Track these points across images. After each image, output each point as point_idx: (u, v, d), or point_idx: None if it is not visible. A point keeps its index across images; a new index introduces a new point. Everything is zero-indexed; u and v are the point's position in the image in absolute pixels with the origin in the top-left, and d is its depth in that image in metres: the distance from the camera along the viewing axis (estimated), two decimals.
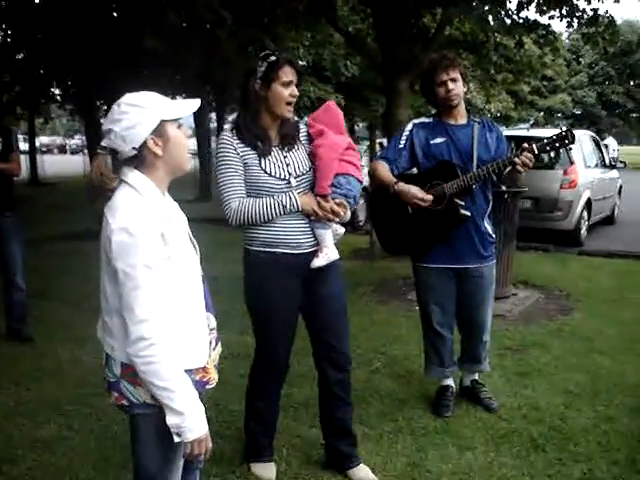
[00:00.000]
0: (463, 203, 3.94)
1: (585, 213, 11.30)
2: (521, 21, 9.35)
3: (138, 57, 8.90)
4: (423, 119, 4.25)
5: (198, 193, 18.61)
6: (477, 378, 4.55)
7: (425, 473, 3.59)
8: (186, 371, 2.18)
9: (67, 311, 6.49)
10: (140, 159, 2.16)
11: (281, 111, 3.15)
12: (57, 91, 15.93)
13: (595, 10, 9.47)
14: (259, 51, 11.22)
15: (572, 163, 10.63)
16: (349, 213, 3.27)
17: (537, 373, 4.99)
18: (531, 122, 39.72)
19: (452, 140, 4.05)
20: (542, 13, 9.63)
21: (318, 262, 3.24)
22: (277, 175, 3.15)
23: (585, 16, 9.52)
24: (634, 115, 50.95)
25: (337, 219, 3.21)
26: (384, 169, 4.11)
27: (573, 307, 7.02)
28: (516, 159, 3.77)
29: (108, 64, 9.74)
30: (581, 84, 48.97)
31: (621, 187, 14.69)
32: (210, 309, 2.42)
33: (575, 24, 9.84)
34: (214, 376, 2.38)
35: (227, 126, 3.38)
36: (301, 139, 3.31)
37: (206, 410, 2.22)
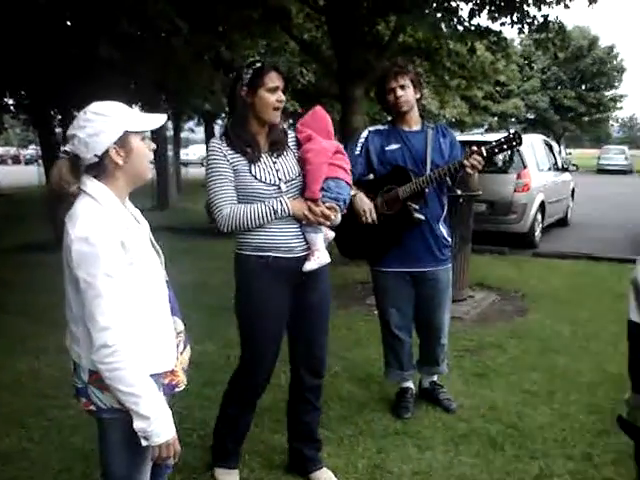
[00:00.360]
0: (417, 207, 4.00)
1: (539, 215, 11.51)
2: (473, 28, 9.48)
3: (93, 66, 8.83)
4: (378, 126, 4.32)
5: (155, 202, 18.48)
6: (436, 379, 4.61)
7: (386, 474, 3.64)
8: (154, 375, 2.20)
9: (26, 324, 6.40)
10: (101, 167, 2.18)
11: (268, 116, 3.16)
12: (10, 101, 15.68)
13: (545, 16, 9.66)
14: (214, 59, 11.19)
15: (525, 167, 10.82)
16: (339, 217, 3.29)
17: (494, 373, 5.08)
18: (485, 127, 40.11)
19: (406, 146, 4.11)
20: (494, 20, 9.80)
21: (310, 265, 3.25)
22: (267, 181, 3.15)
23: (536, 22, 9.70)
24: (586, 119, 51.79)
25: (328, 223, 3.23)
26: None
27: (528, 308, 7.15)
28: (465, 162, 3.84)
29: (62, 73, 9.66)
30: (534, 89, 49.58)
31: (574, 189, 14.98)
32: (177, 313, 2.44)
33: (526, 30, 10.01)
34: (182, 379, 2.41)
35: (217, 132, 3.38)
36: (290, 145, 3.33)
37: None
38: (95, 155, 2.14)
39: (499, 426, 4.18)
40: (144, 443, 2.14)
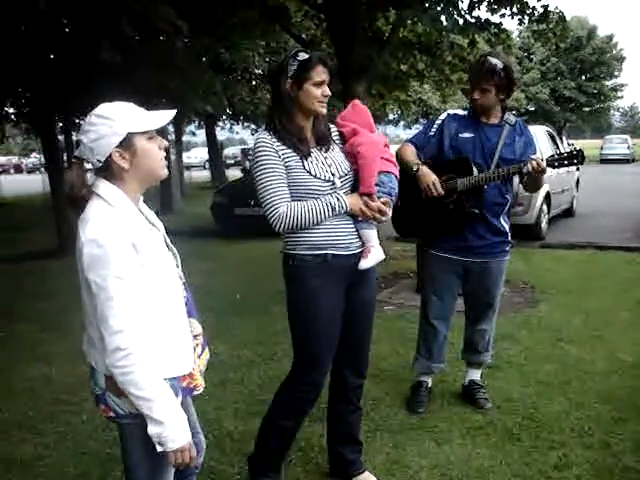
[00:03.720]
0: (471, 201, 4.01)
1: (545, 207, 11.49)
2: (473, 20, 9.44)
3: (94, 70, 8.82)
4: (458, 111, 4.28)
5: (159, 206, 18.48)
6: (478, 378, 4.57)
7: (404, 469, 3.63)
8: (171, 379, 2.19)
9: (35, 330, 6.39)
10: (108, 171, 2.17)
11: (314, 107, 3.03)
12: (11, 110, 15.69)
13: (545, 7, 9.61)
14: (214, 61, 11.18)
15: None
16: (390, 212, 3.20)
17: (508, 365, 5.07)
18: None
19: (479, 137, 4.08)
20: (493, 12, 9.76)
21: (367, 263, 3.17)
22: (322, 177, 3.03)
23: (536, 13, 9.65)
24: (587, 109, 51.74)
25: (384, 218, 3.14)
26: (411, 151, 4.15)
27: (539, 299, 7.14)
28: (524, 168, 3.84)
29: (63, 79, 9.65)
30: (533, 81, 49.52)
31: (579, 180, 14.95)
32: (194, 315, 2.42)
33: (526, 21, 9.96)
34: (201, 382, 2.39)
35: (262, 128, 3.16)
36: (334, 139, 3.22)
37: None
38: (99, 160, 2.14)
39: (515, 417, 4.17)
40: (159, 449, 2.12)
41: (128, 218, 2.15)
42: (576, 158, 3.88)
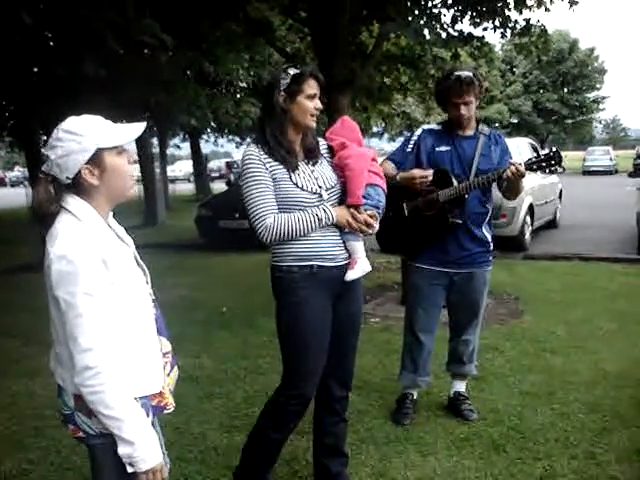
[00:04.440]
0: (454, 211, 4.04)
1: (528, 218, 11.54)
2: (456, 34, 9.52)
3: (78, 84, 8.81)
4: (432, 126, 4.34)
5: (144, 219, 18.44)
6: (463, 390, 4.56)
7: None
8: (142, 397, 2.16)
9: (19, 345, 6.36)
10: (77, 187, 2.11)
11: (306, 122, 3.08)
12: None
13: (527, 20, 9.70)
14: (198, 75, 11.19)
15: None
16: (377, 224, 3.22)
17: (493, 376, 5.08)
18: None
19: (456, 150, 4.13)
20: (476, 25, 9.84)
21: (354, 274, 3.19)
22: (309, 189, 3.07)
23: (518, 26, 9.75)
24: (569, 121, 52.15)
25: (370, 231, 3.17)
26: (390, 167, 4.21)
27: (523, 310, 7.17)
28: (504, 174, 3.88)
29: (47, 93, 9.64)
30: (516, 93, 49.93)
31: (562, 191, 15.05)
32: (164, 333, 2.36)
33: (508, 35, 10.05)
34: (171, 401, 2.34)
35: (249, 141, 3.23)
36: (323, 153, 3.27)
37: (166, 435, 2.19)
38: (67, 177, 2.08)
39: (500, 428, 4.18)
40: (129, 469, 2.07)
41: (98, 234, 2.10)
42: (553, 159, 3.93)
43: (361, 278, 3.29)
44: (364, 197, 3.16)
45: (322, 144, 3.29)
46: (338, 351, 3.33)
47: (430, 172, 4.04)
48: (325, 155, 3.28)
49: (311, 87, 3.06)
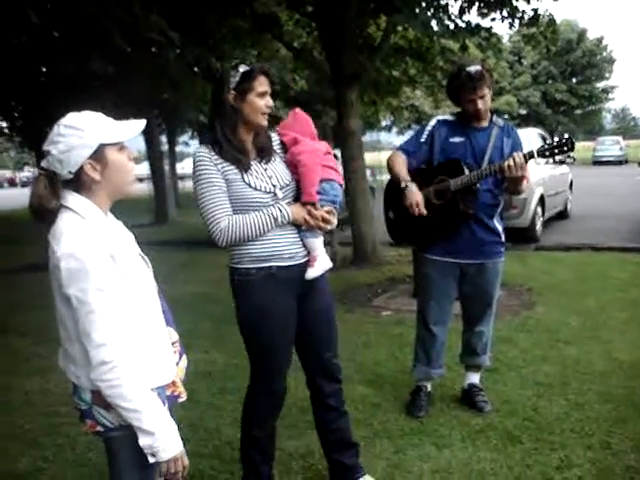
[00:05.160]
0: (466, 200, 4.03)
1: (539, 209, 11.49)
2: (464, 25, 9.48)
3: (85, 82, 8.83)
4: (447, 116, 4.31)
5: (154, 217, 18.50)
6: (477, 382, 4.55)
7: (406, 474, 3.61)
8: (157, 388, 2.17)
9: (30, 343, 6.38)
10: (79, 183, 2.11)
11: (258, 120, 3.03)
12: (4, 124, 15.70)
13: (535, 10, 9.65)
14: (205, 71, 11.20)
15: None
16: (335, 220, 3.17)
17: (506, 368, 5.06)
18: None
19: (470, 141, 4.12)
20: (484, 16, 9.80)
21: (314, 272, 3.15)
22: (263, 189, 3.01)
23: (526, 17, 9.70)
24: (579, 111, 51.95)
25: (328, 227, 3.12)
26: (401, 160, 4.20)
27: (535, 301, 7.15)
28: (505, 163, 3.85)
29: (55, 91, 9.66)
30: (525, 84, 49.75)
31: (572, 182, 14.99)
32: (171, 323, 2.38)
33: (516, 25, 10.01)
34: (183, 389, 2.36)
35: (197, 143, 3.18)
36: (276, 149, 3.20)
37: (181, 430, 2.19)
38: (69, 172, 2.09)
39: (515, 420, 4.16)
40: (151, 460, 2.09)
41: (102, 229, 2.10)
42: (566, 145, 3.87)
43: (326, 274, 3.25)
44: (319, 193, 3.10)
45: (274, 140, 3.22)
46: (315, 348, 3.33)
47: (424, 212, 3.99)
48: (278, 151, 3.21)
49: (262, 84, 2.99)
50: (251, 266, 3.05)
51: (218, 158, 2.99)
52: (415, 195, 4.03)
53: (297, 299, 3.18)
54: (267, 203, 3.01)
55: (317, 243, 3.15)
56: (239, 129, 3.04)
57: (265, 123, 3.07)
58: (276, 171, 3.11)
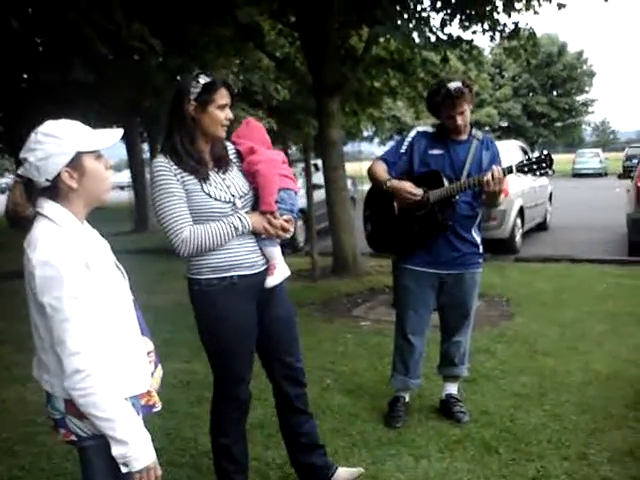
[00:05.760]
0: (444, 212, 4.06)
1: (519, 221, 11.59)
2: (445, 37, 9.54)
3: (67, 90, 8.80)
4: (427, 128, 4.35)
5: (134, 225, 18.43)
6: (454, 392, 4.56)
7: None
8: (131, 397, 2.16)
9: (8, 352, 6.33)
10: (55, 190, 2.11)
11: (217, 132, 3.04)
12: None
13: (516, 24, 9.73)
14: None
15: None
16: (293, 228, 3.21)
17: (484, 378, 5.08)
18: None
19: (449, 154, 4.15)
20: (465, 29, 9.86)
21: (274, 280, 3.18)
22: (222, 198, 3.02)
23: (506, 30, 9.78)
24: (559, 124, 52.39)
25: (287, 235, 3.16)
26: (382, 168, 4.23)
27: (514, 312, 7.19)
28: (484, 177, 3.89)
29: (36, 99, 9.61)
30: (506, 97, 50.13)
31: (551, 194, 15.10)
32: (145, 333, 2.37)
33: (497, 38, 10.09)
34: (157, 399, 2.35)
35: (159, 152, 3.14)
36: (232, 159, 3.21)
37: (158, 440, 2.19)
38: (47, 179, 2.08)
39: (493, 430, 4.18)
40: (124, 469, 2.08)
41: (77, 237, 2.10)
42: (544, 162, 3.94)
43: (284, 282, 3.28)
44: (278, 202, 3.14)
45: (230, 149, 3.23)
46: (278, 354, 3.36)
47: (420, 192, 4.06)
48: (234, 160, 3.22)
49: (222, 97, 3.01)
50: (212, 276, 3.07)
51: (177, 168, 2.98)
52: (402, 185, 4.08)
53: (258, 306, 3.21)
54: (227, 213, 3.03)
55: (276, 251, 3.20)
56: (197, 140, 3.05)
57: (223, 135, 3.09)
58: (234, 181, 3.13)
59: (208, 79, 2.99)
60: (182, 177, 2.98)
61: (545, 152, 4.00)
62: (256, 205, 3.16)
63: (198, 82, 2.97)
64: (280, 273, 3.20)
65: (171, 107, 3.08)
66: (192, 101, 2.97)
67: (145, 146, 24.49)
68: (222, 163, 3.13)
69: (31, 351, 2.27)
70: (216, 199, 3.01)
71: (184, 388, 5.07)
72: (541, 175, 4.08)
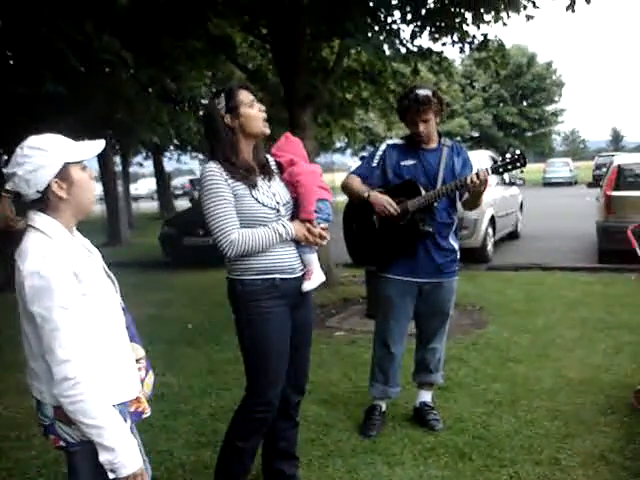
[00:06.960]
0: (425, 219, 4.10)
1: (490, 230, 11.70)
2: (415, 49, 9.64)
3: (38, 102, 8.74)
4: (396, 141, 4.40)
5: (107, 237, 18.30)
6: (429, 400, 4.59)
7: None
8: (120, 404, 2.19)
9: None
10: (44, 202, 2.16)
11: (260, 129, 3.17)
12: None
13: (485, 35, 9.85)
14: (160, 92, 11.11)
15: None
16: (329, 237, 3.34)
17: (457, 386, 5.13)
18: None
19: (421, 163, 4.21)
20: (435, 40, 9.96)
21: (310, 285, 3.30)
22: (269, 205, 3.15)
23: (475, 41, 9.89)
24: (529, 134, 52.84)
25: (324, 242, 3.30)
26: (357, 181, 4.29)
27: (486, 320, 7.25)
28: (468, 180, 3.95)
29: (7, 112, 9.54)
30: (477, 107, 50.49)
31: (522, 203, 15.26)
32: (136, 339, 2.42)
33: (467, 50, 10.20)
34: (147, 406, 2.39)
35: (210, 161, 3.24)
36: (273, 169, 3.35)
37: None
38: (37, 191, 2.13)
39: (466, 437, 4.22)
40: (111, 476, 2.11)
41: (67, 248, 2.14)
42: (518, 161, 4.02)
43: (314, 288, 3.38)
44: (315, 212, 3.28)
45: (271, 161, 3.36)
46: (295, 359, 3.42)
47: (398, 209, 4.10)
48: (275, 171, 3.35)
49: (246, 96, 3.16)
50: (256, 277, 3.18)
51: (228, 174, 3.10)
52: (381, 198, 4.13)
53: (291, 312, 3.31)
54: (271, 219, 3.16)
55: (313, 258, 3.34)
56: (241, 148, 3.18)
57: (267, 131, 3.22)
58: (278, 189, 3.26)
59: (227, 89, 3.16)
60: (232, 183, 3.10)
61: (517, 151, 4.08)
62: (295, 214, 3.29)
63: (220, 96, 3.15)
64: (316, 279, 3.32)
65: (206, 130, 3.27)
66: (225, 114, 3.11)
67: (117, 159, 24.41)
68: (266, 170, 3.27)
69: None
70: (263, 205, 3.14)
71: (158, 401, 5.04)
72: (512, 181, 4.15)
